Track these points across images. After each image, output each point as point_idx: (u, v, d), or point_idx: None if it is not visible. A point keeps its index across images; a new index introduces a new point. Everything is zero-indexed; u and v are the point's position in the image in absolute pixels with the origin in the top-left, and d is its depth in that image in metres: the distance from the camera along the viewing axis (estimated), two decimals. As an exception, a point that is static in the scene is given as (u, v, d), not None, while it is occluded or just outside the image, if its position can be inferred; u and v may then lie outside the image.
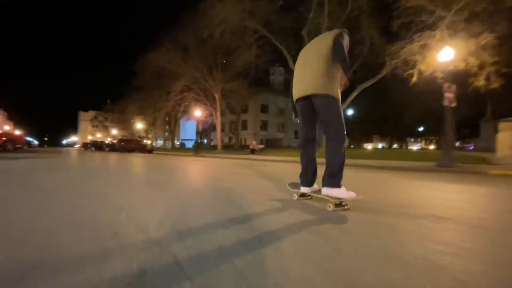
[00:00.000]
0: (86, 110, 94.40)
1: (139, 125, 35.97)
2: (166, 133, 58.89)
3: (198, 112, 19.75)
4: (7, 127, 53.37)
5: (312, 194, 2.30)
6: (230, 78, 21.32)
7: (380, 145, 71.51)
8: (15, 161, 7.23)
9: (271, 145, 45.51)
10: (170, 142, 51.86)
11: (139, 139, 32.02)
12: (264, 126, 51.53)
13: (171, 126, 33.88)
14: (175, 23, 21.29)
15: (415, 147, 66.14)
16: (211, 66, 20.98)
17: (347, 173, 2.40)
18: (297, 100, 2.27)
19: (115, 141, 27.67)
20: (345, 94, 16.31)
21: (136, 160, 10.79)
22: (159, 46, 19.99)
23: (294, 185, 2.52)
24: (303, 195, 2.44)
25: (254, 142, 18.00)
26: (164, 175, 4.88)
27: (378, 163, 8.69)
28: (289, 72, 18.49)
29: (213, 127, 48.33)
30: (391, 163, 8.56)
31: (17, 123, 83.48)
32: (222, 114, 23.58)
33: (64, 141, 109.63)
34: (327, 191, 2.08)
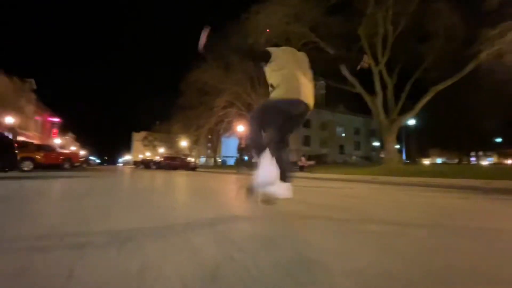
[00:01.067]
0: (138, 131, 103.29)
1: (183, 143, 36.88)
2: (209, 151, 60.10)
3: (240, 128, 18.90)
4: (73, 148, 60.19)
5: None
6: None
7: (438, 160, 63.13)
8: (68, 180, 6.73)
9: (316, 161, 42.65)
10: (213, 159, 52.55)
11: (183, 157, 32.54)
12: (306, 141, 49.26)
13: (214, 143, 33.99)
14: (216, 37, 21.49)
15: (485, 161, 56.52)
16: (253, 80, 20.33)
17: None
18: (296, 100, 2.21)
19: (161, 159, 28.41)
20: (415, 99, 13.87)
21: (179, 179, 9.96)
22: (201, 62, 20.18)
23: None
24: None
25: (303, 159, 16.33)
26: (214, 207, 3.56)
27: (487, 183, 6.37)
28: (339, 80, 17.05)
29: (254, 144, 47.81)
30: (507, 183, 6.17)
31: (83, 144, 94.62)
32: None
33: (120, 160, 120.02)
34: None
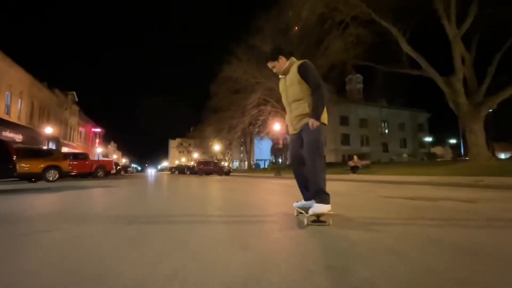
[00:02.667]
0: (174, 138, 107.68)
1: (216, 147, 36.05)
2: (241, 154, 59.13)
3: (277, 126, 16.96)
4: (114, 156, 63.70)
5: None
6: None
7: (502, 156, 54.32)
8: (77, 194, 5.42)
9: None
10: (246, 162, 51.32)
11: (216, 161, 31.54)
12: (345, 140, 45.53)
13: (247, 146, 32.50)
14: (247, 30, 19.69)
15: None
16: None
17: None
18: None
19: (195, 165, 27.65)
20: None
21: (214, 185, 8.32)
22: (232, 57, 18.70)
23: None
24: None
25: (355, 157, 13.77)
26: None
27: None
28: (401, 54, 14.15)
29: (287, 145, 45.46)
30: None
31: (124, 153, 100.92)
32: None
33: (159, 166, 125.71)
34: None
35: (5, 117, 17.42)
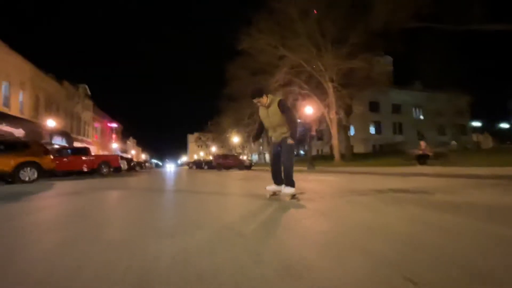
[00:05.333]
0: (192, 133, 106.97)
1: (235, 139, 33.48)
2: (261, 147, 56.34)
3: (309, 109, 13.88)
4: (133, 152, 63.37)
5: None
6: (348, 55, 14.61)
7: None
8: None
9: (386, 151, 35.13)
10: (267, 155, 48.53)
11: (236, 155, 29.02)
12: (376, 128, 41.23)
13: (268, 137, 29.53)
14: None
15: None
16: (318, 46, 15.00)
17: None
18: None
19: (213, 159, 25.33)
20: None
21: (236, 184, 5.63)
22: (251, 29, 15.58)
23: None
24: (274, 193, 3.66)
25: (423, 143, 10.37)
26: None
27: None
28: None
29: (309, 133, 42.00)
30: None
31: (144, 148, 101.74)
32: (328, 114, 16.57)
33: (178, 161, 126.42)
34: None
35: (3, 110, 15.73)
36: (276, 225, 2.11)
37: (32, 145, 8.15)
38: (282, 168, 3.46)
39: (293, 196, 3.35)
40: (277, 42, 15.15)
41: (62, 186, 6.70)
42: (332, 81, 15.56)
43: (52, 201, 3.98)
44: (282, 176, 3.47)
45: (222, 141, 47.46)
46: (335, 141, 17.08)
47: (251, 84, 17.93)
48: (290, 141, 3.34)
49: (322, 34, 14.96)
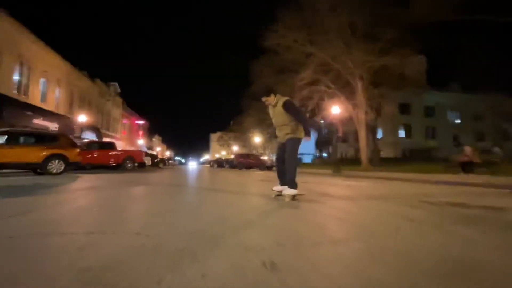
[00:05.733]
0: (215, 131, 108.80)
1: (257, 139, 33.17)
2: (283, 148, 55.49)
3: (335, 109, 13.15)
4: (158, 148, 65.50)
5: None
6: (380, 52, 13.60)
7: None
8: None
9: (417, 157, 32.92)
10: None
11: (257, 154, 28.70)
12: (407, 132, 38.90)
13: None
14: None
15: None
16: (348, 42, 14.13)
17: None
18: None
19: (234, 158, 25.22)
20: None
21: (258, 186, 5.22)
22: (278, 25, 15.04)
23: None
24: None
25: (469, 149, 9.18)
26: None
27: None
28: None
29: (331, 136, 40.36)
30: None
31: (169, 145, 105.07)
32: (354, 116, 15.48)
33: (201, 159, 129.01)
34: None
35: (41, 105, 16.70)
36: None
37: (60, 138, 8.37)
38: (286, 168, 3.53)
39: (293, 197, 3.39)
40: (304, 38, 14.50)
41: (86, 179, 6.73)
42: (362, 79, 14.62)
43: (75, 195, 3.84)
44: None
45: (244, 141, 47.42)
46: (363, 144, 16.07)
47: (276, 83, 17.51)
48: (307, 138, 3.43)
49: (352, 29, 14.09)
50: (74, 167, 12.47)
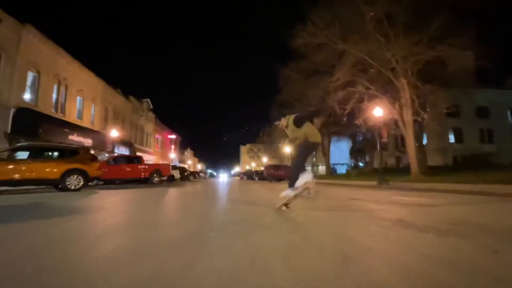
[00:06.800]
0: (244, 144, 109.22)
1: (287, 149, 31.77)
2: (313, 158, 53.17)
3: (378, 111, 11.48)
4: (189, 162, 66.89)
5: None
6: (428, 42, 11.69)
7: None
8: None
9: (471, 164, 28.66)
10: (320, 167, 45.33)
11: (288, 165, 27.23)
12: (457, 136, 34.59)
13: (324, 146, 26.90)
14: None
15: None
16: (387, 34, 12.40)
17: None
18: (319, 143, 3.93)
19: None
20: None
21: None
22: (305, 24, 13.89)
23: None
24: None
25: None
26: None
27: None
28: None
29: (370, 144, 37.17)
30: None
31: (202, 160, 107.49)
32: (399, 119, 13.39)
33: (232, 172, 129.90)
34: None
35: (77, 122, 17.35)
36: None
37: (80, 152, 7.99)
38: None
39: (286, 205, 3.67)
40: (336, 35, 13.08)
41: (101, 197, 6.06)
42: (407, 75, 12.71)
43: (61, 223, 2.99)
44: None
45: (274, 152, 46.22)
46: (411, 150, 13.89)
47: (305, 88, 16.22)
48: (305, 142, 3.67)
49: (391, 20, 12.40)
50: (102, 182, 12.30)
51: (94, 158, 8.28)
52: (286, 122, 3.84)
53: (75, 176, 7.52)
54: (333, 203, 4.75)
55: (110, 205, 4.46)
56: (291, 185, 3.54)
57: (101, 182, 12.53)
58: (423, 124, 19.60)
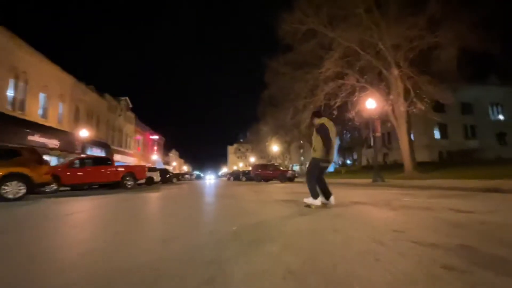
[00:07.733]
0: (232, 144, 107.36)
1: (275, 148, 30.71)
2: (302, 157, 52.62)
3: (370, 103, 10.60)
4: (174, 163, 64.63)
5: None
6: (421, 31, 11.00)
7: None
8: None
9: (457, 160, 28.82)
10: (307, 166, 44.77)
11: (277, 164, 26.22)
12: (442, 132, 34.78)
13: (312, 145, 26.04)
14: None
15: None
16: (377, 22, 11.55)
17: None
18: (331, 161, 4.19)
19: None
20: None
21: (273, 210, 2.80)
22: (292, 13, 12.72)
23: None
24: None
25: None
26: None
27: None
28: None
29: (359, 140, 36.78)
30: None
31: (187, 161, 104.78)
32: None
33: (219, 173, 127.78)
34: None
35: (41, 121, 15.50)
36: None
37: (22, 153, 6.51)
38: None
39: (309, 206, 3.94)
40: (325, 23, 12.08)
41: (37, 209, 4.68)
42: (398, 65, 11.94)
43: None
44: (327, 190, 4.07)
45: (261, 151, 45.10)
46: (404, 145, 13.18)
47: (293, 81, 15.19)
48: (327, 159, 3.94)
49: (382, 5, 11.59)
50: (69, 187, 10.69)
51: (41, 161, 6.80)
52: (317, 123, 4.02)
53: (15, 183, 6.06)
54: (337, 210, 3.64)
55: (30, 224, 3.15)
56: (314, 196, 3.89)
57: (67, 188, 10.95)
58: (410, 120, 19.03)
